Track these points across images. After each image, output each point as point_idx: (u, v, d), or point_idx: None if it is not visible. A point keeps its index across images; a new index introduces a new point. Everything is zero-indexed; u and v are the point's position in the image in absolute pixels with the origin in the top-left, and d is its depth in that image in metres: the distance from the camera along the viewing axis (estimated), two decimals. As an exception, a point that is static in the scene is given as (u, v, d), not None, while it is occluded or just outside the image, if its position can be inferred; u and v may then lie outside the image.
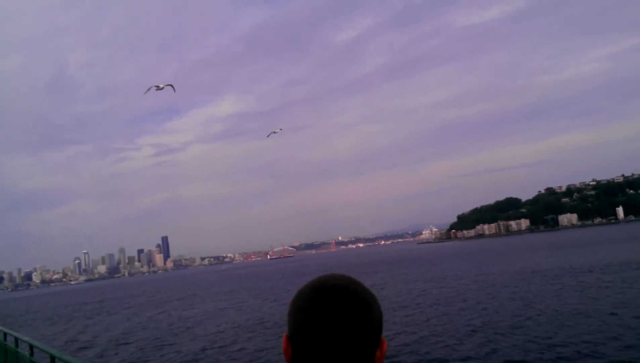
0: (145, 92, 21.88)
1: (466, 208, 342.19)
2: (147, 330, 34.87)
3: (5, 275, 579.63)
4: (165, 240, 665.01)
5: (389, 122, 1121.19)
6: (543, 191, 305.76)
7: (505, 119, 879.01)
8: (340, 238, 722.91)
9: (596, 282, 34.46)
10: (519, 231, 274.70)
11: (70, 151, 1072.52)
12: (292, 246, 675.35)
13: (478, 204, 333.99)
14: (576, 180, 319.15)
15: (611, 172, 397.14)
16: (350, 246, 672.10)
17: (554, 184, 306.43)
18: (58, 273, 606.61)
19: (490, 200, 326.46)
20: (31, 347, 8.05)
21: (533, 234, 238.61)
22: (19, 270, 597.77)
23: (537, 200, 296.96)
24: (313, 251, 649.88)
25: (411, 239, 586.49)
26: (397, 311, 30.14)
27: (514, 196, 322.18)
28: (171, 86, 22.07)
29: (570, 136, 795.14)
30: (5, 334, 11.18)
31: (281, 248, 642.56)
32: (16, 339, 9.72)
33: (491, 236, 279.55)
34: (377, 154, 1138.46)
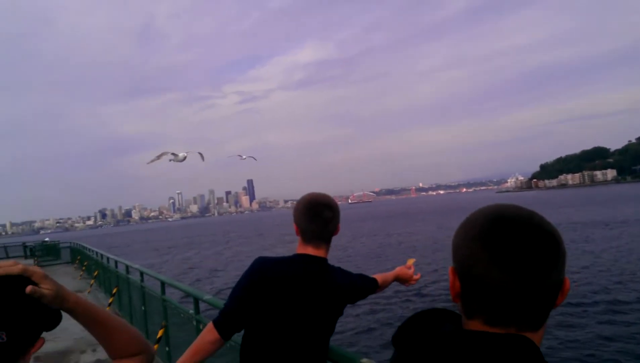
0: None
1: (557, 155, 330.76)
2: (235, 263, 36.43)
3: (108, 212, 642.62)
4: (250, 183, 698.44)
5: (472, 68, 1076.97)
6: (634, 141, 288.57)
7: (598, 63, 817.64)
8: (420, 185, 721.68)
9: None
10: (605, 182, 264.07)
11: (161, 99, 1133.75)
12: (373, 192, 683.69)
13: (569, 152, 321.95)
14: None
15: None
16: (430, 192, 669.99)
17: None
18: (155, 211, 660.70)
19: (578, 149, 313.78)
20: (141, 273, 8.26)
21: (619, 185, 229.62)
22: (120, 208, 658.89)
23: (627, 150, 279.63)
24: (393, 197, 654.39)
25: (495, 187, 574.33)
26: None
27: (603, 145, 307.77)
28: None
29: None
30: (116, 262, 11.46)
31: (361, 193, 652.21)
32: (127, 266, 9.98)
33: (575, 186, 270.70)
34: (459, 100, 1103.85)
